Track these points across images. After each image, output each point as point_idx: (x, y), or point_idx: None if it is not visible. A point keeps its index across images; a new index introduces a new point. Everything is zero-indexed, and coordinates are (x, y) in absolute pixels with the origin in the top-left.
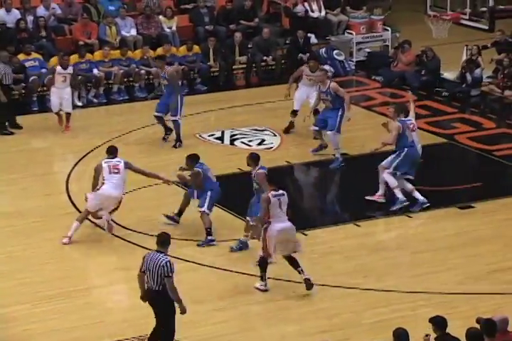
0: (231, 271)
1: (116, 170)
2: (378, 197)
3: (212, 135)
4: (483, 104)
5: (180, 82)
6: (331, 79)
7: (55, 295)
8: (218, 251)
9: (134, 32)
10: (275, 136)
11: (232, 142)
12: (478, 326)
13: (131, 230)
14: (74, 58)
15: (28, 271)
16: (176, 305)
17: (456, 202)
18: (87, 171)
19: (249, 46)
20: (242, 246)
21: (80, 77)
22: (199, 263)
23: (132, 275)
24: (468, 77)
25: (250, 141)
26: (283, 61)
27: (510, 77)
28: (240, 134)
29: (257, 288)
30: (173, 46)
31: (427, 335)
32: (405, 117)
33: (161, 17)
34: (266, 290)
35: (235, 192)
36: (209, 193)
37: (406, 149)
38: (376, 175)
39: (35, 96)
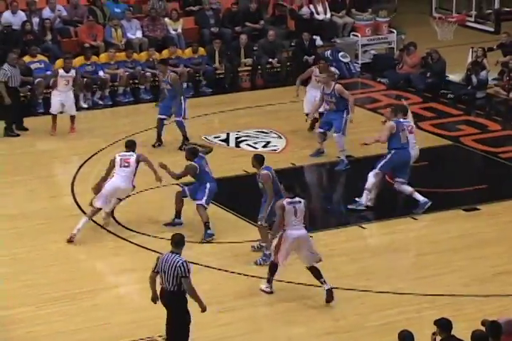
0: (235, 272)
1: (126, 164)
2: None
3: (218, 137)
4: (489, 106)
5: (183, 86)
6: (335, 81)
7: (60, 297)
8: (222, 252)
9: (139, 34)
10: (280, 138)
11: (237, 144)
12: (483, 328)
13: (135, 232)
14: (79, 60)
15: (33, 273)
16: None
17: (461, 204)
18: (92, 173)
19: (255, 48)
20: (266, 259)
21: (84, 79)
22: (203, 265)
23: (137, 276)
24: (474, 79)
25: (255, 143)
26: (288, 63)
27: None
28: (246, 136)
29: (262, 290)
30: (178, 48)
31: (434, 333)
32: (403, 119)
33: (166, 19)
34: (271, 293)
35: (240, 194)
36: (208, 185)
37: (394, 151)
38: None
39: (40, 98)
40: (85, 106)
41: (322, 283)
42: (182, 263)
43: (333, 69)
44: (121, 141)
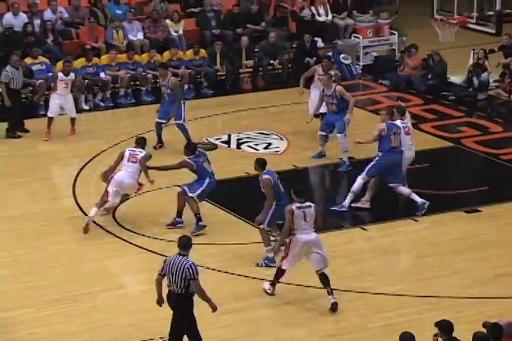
0: (236, 274)
1: (134, 159)
2: (363, 203)
3: (219, 139)
4: (490, 108)
5: (184, 88)
6: (336, 82)
7: (61, 298)
8: (222, 254)
9: (140, 36)
10: (282, 139)
11: (238, 146)
12: (484, 330)
13: (136, 233)
14: (81, 62)
15: (34, 275)
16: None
17: (462, 206)
18: (93, 175)
19: (256, 50)
20: (268, 263)
21: (86, 81)
22: (203, 266)
23: (138, 278)
24: (475, 81)
25: (257, 144)
26: (290, 65)
27: None
28: (247, 138)
29: (265, 290)
30: (179, 50)
31: (435, 335)
32: (401, 119)
33: (167, 21)
34: (272, 294)
35: (241, 196)
36: (207, 180)
37: (381, 153)
38: (382, 180)
39: (41, 100)
40: (86, 107)
41: (329, 293)
42: (190, 265)
43: (333, 72)
44: (123, 143)
